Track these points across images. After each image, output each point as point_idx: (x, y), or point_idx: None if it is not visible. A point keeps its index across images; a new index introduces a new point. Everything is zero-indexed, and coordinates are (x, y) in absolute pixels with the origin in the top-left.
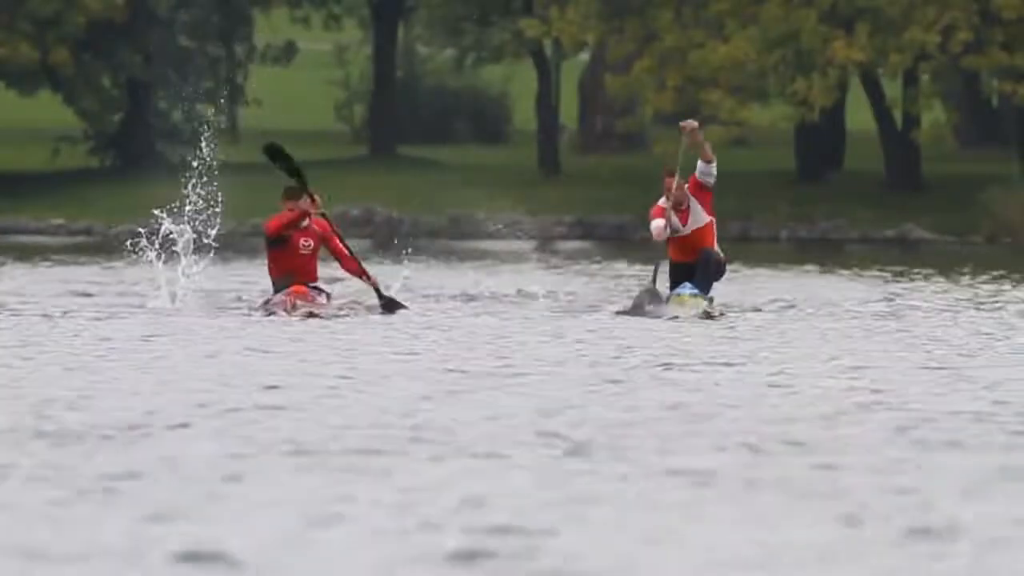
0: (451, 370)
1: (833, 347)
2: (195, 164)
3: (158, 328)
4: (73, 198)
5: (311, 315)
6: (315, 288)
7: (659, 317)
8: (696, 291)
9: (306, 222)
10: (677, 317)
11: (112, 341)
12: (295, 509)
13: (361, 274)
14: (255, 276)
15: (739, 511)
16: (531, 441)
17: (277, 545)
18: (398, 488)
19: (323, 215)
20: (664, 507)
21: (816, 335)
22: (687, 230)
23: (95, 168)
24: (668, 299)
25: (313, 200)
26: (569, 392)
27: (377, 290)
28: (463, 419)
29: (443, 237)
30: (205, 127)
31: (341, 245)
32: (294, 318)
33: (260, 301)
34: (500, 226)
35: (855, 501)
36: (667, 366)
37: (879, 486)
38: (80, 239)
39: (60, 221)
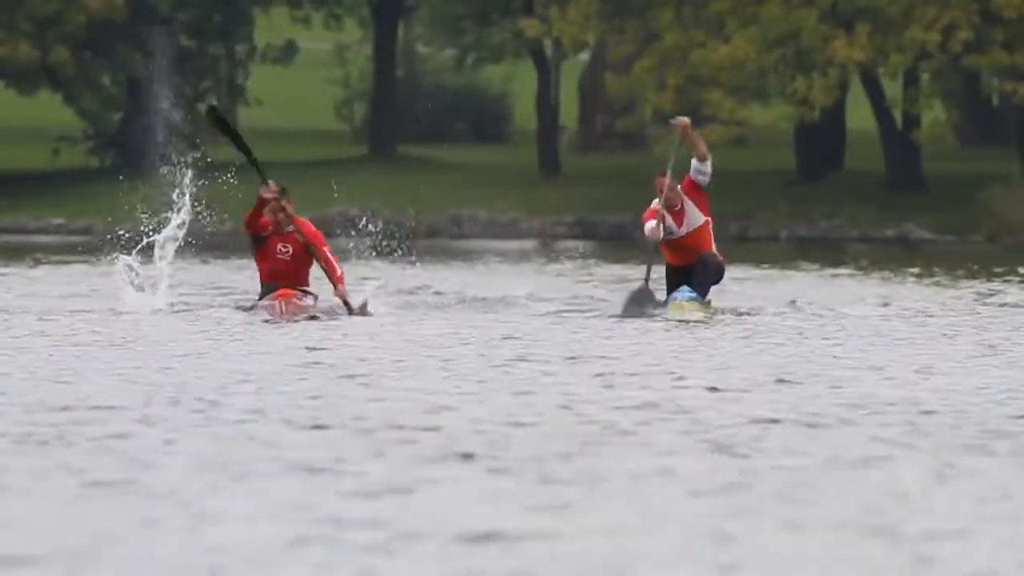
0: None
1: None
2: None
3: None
4: (73, 198)
5: (310, 318)
6: (302, 291)
7: (651, 316)
8: (694, 295)
9: (291, 227)
10: (683, 321)
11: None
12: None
13: (338, 282)
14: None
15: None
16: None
17: None
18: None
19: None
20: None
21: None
22: (682, 231)
23: (95, 168)
24: (667, 305)
25: (270, 187)
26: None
27: (346, 303)
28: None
29: (443, 236)
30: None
31: (328, 255)
32: (286, 320)
33: (248, 305)
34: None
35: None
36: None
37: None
38: (80, 238)
39: (60, 221)
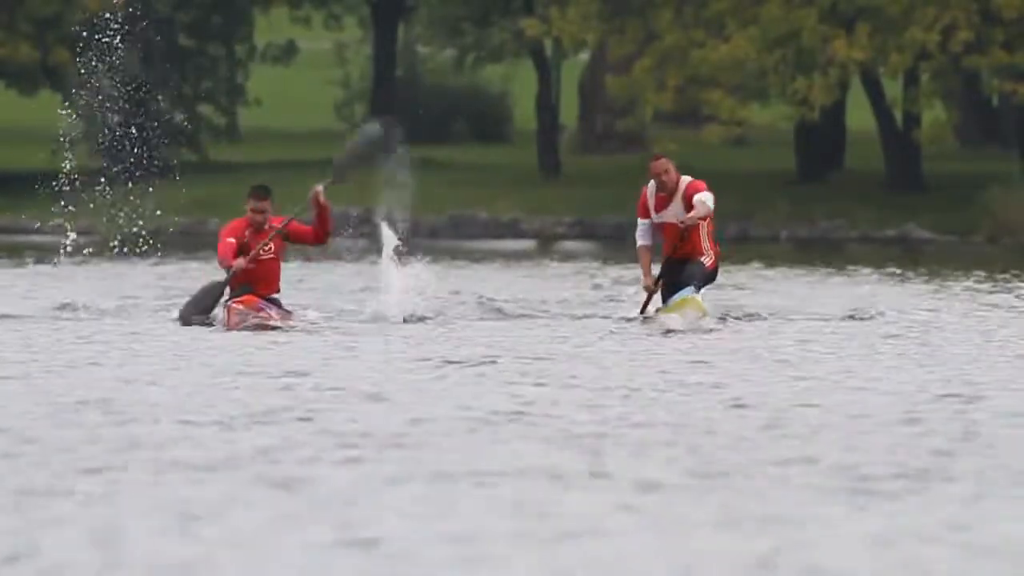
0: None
1: None
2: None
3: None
4: (73, 198)
5: (261, 327)
6: (271, 300)
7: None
8: (691, 291)
9: (267, 226)
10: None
11: None
12: None
13: (325, 214)
14: None
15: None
16: None
17: None
18: None
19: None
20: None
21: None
22: (676, 218)
23: (95, 168)
24: (667, 303)
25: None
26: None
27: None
28: None
29: (443, 237)
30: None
31: (300, 225)
32: (238, 331)
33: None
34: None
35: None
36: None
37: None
38: (80, 239)
39: (60, 221)
